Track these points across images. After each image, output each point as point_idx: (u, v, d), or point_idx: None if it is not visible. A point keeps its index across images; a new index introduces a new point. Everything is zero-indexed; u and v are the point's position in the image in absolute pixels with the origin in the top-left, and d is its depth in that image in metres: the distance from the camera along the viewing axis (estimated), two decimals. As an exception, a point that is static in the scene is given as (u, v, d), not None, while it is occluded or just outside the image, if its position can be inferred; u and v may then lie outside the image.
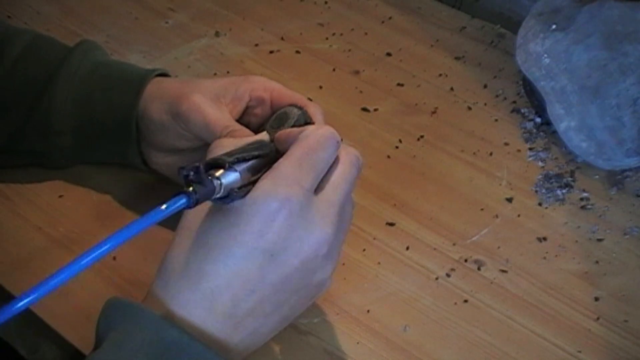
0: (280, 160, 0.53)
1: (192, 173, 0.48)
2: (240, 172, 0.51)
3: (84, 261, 0.45)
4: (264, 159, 0.54)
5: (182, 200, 0.47)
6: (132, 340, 0.48)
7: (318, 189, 0.54)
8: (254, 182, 0.52)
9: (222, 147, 0.55)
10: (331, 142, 0.54)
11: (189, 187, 0.48)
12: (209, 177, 0.49)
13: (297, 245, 0.52)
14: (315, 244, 0.52)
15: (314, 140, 0.54)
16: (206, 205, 0.51)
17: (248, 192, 0.51)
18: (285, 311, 0.54)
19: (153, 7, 0.94)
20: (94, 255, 0.45)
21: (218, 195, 0.49)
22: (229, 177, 0.50)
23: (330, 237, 0.53)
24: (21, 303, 0.44)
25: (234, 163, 0.51)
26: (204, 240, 0.51)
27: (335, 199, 0.54)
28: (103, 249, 0.45)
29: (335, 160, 0.55)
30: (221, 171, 0.50)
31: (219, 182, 0.49)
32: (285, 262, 0.52)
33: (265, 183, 0.52)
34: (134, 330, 0.49)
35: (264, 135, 0.59)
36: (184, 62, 0.86)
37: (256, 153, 0.53)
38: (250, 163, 0.52)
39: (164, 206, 0.47)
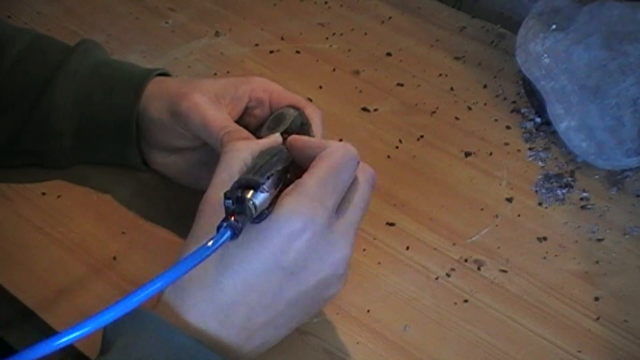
0: (305, 178, 0.53)
1: (234, 203, 0.48)
2: (268, 192, 0.50)
3: (134, 299, 0.45)
4: (284, 170, 0.54)
5: (228, 234, 0.47)
6: (140, 346, 0.48)
7: (337, 209, 0.54)
8: (276, 197, 0.52)
9: (237, 151, 0.55)
10: (353, 163, 0.54)
11: (232, 217, 0.47)
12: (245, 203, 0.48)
13: (317, 265, 0.52)
14: (334, 264, 0.52)
15: (338, 160, 0.53)
16: (223, 216, 0.50)
17: (272, 209, 0.51)
18: (294, 323, 0.54)
19: (153, 7, 0.94)
20: (142, 294, 0.45)
21: (252, 219, 0.49)
22: (260, 198, 0.49)
23: (348, 257, 0.53)
24: (63, 339, 0.43)
25: (264, 183, 0.50)
26: (223, 253, 0.51)
27: (355, 220, 0.54)
28: (151, 289, 0.45)
29: (353, 179, 0.55)
30: (251, 192, 0.49)
31: (252, 204, 0.49)
32: (303, 280, 0.52)
33: (290, 201, 0.51)
34: (142, 335, 0.49)
35: (277, 138, 0.58)
36: (184, 62, 0.86)
37: (280, 167, 0.53)
38: (273, 178, 0.52)
39: (210, 243, 0.47)
